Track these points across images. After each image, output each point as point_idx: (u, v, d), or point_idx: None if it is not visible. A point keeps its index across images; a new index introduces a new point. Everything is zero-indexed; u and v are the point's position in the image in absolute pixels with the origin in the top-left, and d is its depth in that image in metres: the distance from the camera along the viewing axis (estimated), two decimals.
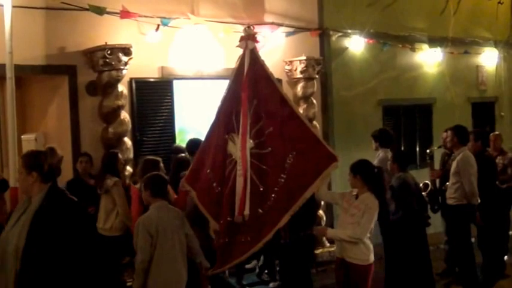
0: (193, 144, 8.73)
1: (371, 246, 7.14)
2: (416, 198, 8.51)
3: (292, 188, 6.49)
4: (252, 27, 7.03)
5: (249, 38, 6.95)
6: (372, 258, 7.13)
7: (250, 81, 6.84)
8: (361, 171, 7.22)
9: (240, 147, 6.67)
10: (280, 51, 11.59)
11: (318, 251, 11.06)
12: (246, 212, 6.54)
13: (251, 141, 6.68)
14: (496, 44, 15.88)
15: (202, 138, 7.63)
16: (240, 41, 7.00)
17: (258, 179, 6.61)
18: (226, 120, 7.02)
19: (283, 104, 6.77)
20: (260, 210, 6.57)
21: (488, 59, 15.76)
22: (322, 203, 10.62)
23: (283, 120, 6.68)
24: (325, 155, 6.53)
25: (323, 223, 11.36)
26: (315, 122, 11.83)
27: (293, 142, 6.59)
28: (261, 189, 6.59)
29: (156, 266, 6.57)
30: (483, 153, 9.88)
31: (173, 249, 6.62)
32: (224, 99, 7.16)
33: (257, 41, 7.03)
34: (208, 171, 7.08)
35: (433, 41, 14.24)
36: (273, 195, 6.54)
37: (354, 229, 6.99)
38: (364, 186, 7.16)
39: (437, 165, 10.38)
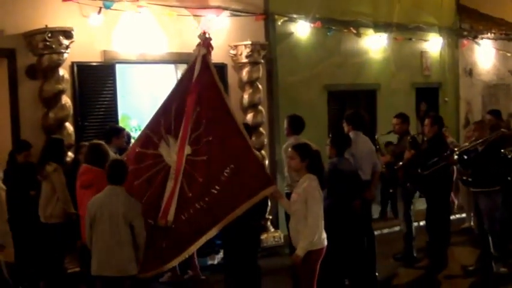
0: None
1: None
2: (348, 185, 8.33)
3: (224, 202, 6.52)
4: (207, 34, 7.00)
5: (203, 44, 6.94)
6: (320, 243, 6.87)
7: (198, 87, 6.80)
8: (309, 155, 7.07)
9: (177, 151, 6.64)
10: (225, 35, 11.49)
11: (262, 236, 11.04)
12: (170, 217, 6.51)
13: (189, 147, 6.65)
14: (440, 30, 15.99)
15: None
16: (197, 46, 7.00)
17: (187, 185, 6.59)
18: (164, 117, 6.98)
19: (229, 117, 6.79)
20: (183, 217, 6.55)
21: (433, 45, 15.85)
22: None
23: (227, 134, 6.68)
24: (263, 178, 6.65)
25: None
26: (260, 107, 11.83)
27: (233, 158, 6.61)
28: (189, 195, 6.57)
29: (93, 247, 6.70)
30: (439, 136, 10.27)
31: (108, 235, 6.59)
32: (169, 98, 7.14)
33: (211, 47, 7.04)
34: (137, 150, 7.10)
35: (378, 27, 14.29)
36: (201, 203, 6.54)
37: (300, 223, 6.81)
38: (305, 169, 7.01)
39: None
